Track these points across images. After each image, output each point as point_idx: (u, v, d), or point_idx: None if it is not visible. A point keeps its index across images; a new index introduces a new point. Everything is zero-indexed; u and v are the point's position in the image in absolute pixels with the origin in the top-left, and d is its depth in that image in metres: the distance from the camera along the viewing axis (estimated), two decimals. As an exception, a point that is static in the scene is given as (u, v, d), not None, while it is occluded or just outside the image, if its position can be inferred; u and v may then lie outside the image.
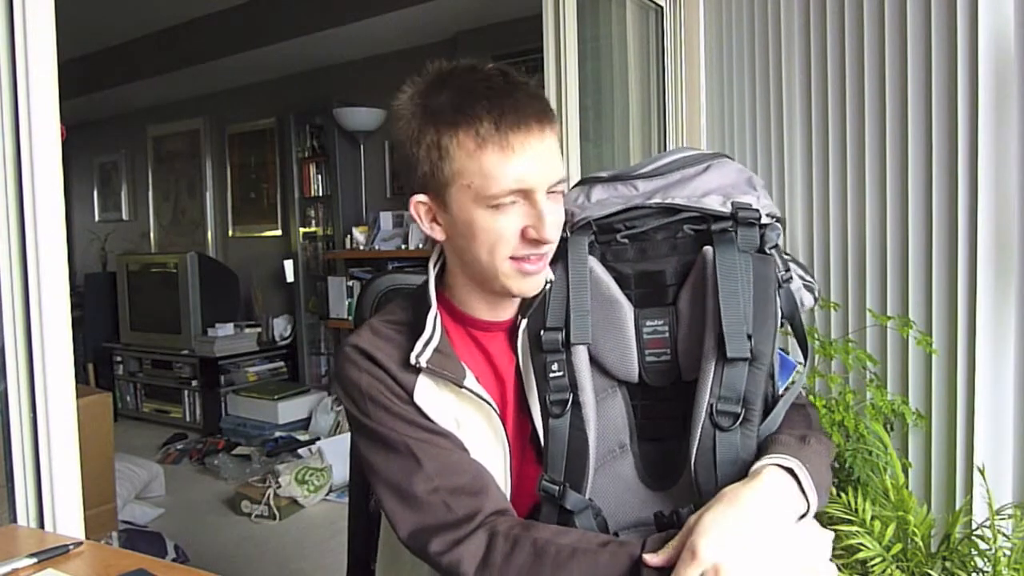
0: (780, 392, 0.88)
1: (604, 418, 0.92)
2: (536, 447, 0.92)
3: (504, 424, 0.92)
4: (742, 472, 0.79)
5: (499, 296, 0.91)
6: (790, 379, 0.91)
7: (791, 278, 0.90)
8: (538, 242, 0.84)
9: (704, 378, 0.84)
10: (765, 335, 0.83)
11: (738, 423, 0.81)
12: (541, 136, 0.83)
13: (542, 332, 0.89)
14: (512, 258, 0.85)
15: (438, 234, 0.89)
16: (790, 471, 0.76)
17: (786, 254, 0.98)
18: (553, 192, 0.86)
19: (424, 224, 0.89)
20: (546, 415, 0.89)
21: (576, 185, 1.02)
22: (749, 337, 0.82)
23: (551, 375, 0.88)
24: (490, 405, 0.89)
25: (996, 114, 1.81)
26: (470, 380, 0.87)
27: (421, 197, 0.87)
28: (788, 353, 0.93)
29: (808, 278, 0.97)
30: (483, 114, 0.80)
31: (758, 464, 0.77)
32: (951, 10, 1.85)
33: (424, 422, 0.86)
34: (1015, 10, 1.78)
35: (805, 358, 0.90)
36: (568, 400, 0.88)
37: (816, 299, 0.98)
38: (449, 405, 0.88)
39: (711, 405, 0.83)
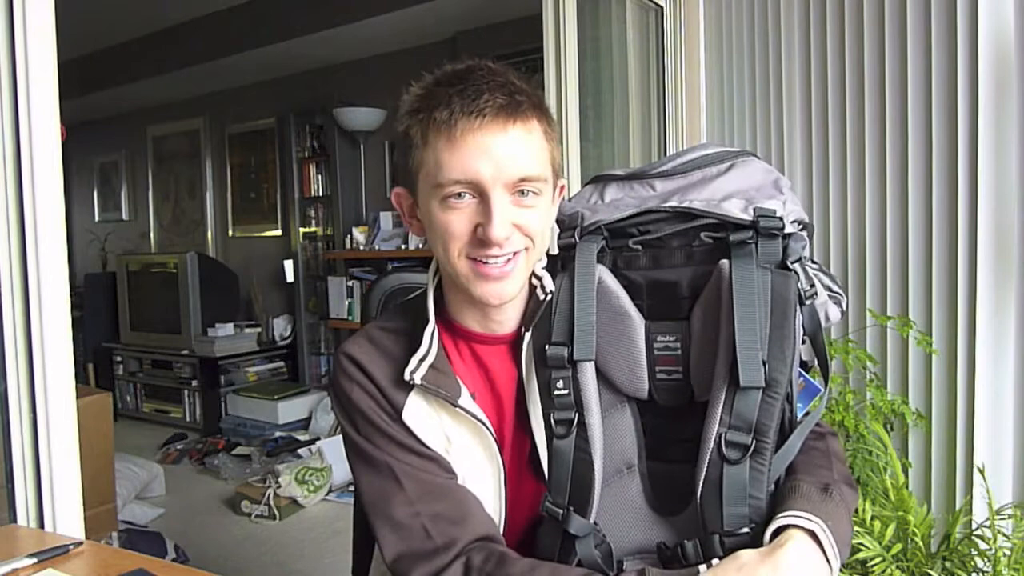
0: (799, 418, 0.82)
1: (611, 436, 0.87)
2: (535, 464, 0.88)
3: (501, 442, 0.89)
4: (750, 510, 0.76)
5: (481, 305, 0.86)
6: (811, 404, 0.84)
7: (815, 293, 0.83)
8: (485, 243, 0.79)
9: (714, 405, 0.78)
10: (781, 361, 0.77)
11: (748, 455, 0.76)
12: (502, 129, 0.78)
13: (547, 347, 0.84)
14: (469, 258, 0.81)
15: (416, 230, 0.88)
16: (812, 534, 0.71)
17: (813, 262, 0.93)
18: (523, 194, 0.81)
19: (404, 218, 0.89)
20: (550, 435, 0.84)
21: (590, 183, 0.97)
22: (764, 363, 0.76)
23: (556, 392, 0.83)
24: (485, 425, 0.85)
25: (996, 114, 1.81)
26: (465, 399, 0.84)
27: (399, 189, 0.89)
28: (812, 373, 0.87)
29: (836, 289, 0.91)
30: (443, 101, 0.78)
31: (778, 522, 0.73)
32: (951, 10, 1.85)
33: (411, 443, 0.84)
34: (1015, 10, 1.78)
35: (826, 381, 0.84)
36: (573, 420, 0.83)
37: (843, 311, 0.91)
38: (441, 424, 0.86)
39: (720, 435, 0.77)
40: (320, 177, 4.44)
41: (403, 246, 3.93)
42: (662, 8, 2.42)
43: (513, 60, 3.49)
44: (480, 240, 0.80)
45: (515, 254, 0.82)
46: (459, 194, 0.79)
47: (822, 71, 2.14)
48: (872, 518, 1.51)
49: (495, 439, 0.87)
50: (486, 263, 0.81)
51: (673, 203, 0.86)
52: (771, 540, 0.73)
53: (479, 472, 0.87)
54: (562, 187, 0.90)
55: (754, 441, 0.76)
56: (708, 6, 2.43)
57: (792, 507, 0.74)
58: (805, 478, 0.79)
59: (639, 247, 0.87)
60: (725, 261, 0.80)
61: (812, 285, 0.83)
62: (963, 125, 1.85)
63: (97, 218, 5.89)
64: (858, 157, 2.06)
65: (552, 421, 0.84)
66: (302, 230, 4.52)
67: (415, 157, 0.82)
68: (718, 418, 0.78)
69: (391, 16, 3.50)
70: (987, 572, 1.48)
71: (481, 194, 0.79)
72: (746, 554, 0.72)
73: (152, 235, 5.56)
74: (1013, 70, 1.79)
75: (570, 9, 1.98)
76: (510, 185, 0.80)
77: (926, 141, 1.93)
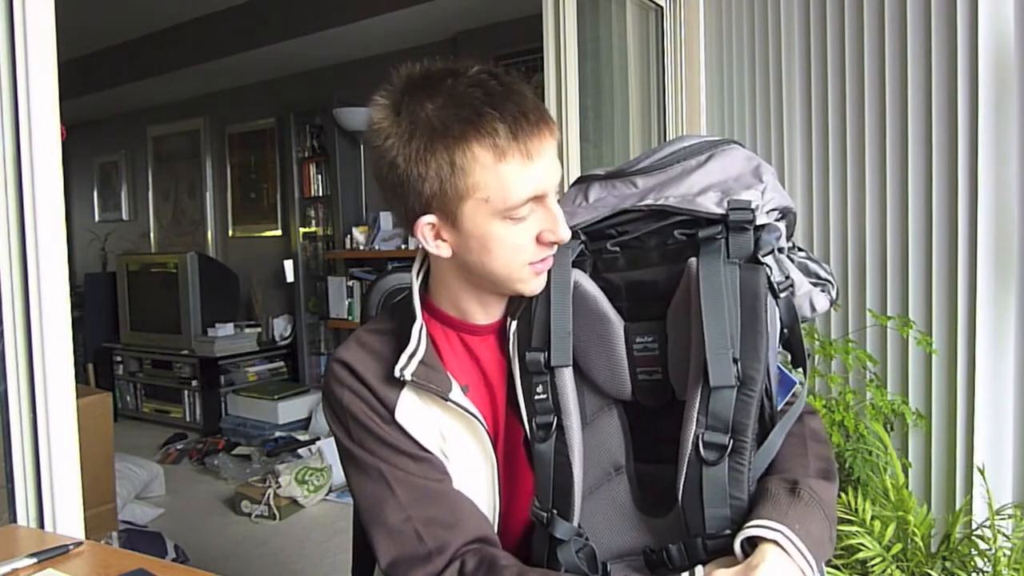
0: (779, 407, 0.81)
1: (598, 439, 0.87)
2: (528, 451, 0.88)
3: (496, 431, 0.90)
4: (732, 511, 0.76)
5: (499, 296, 0.89)
6: (788, 396, 0.84)
7: (791, 285, 0.83)
8: (551, 244, 0.82)
9: (690, 406, 0.78)
10: (754, 357, 0.76)
11: (726, 455, 0.76)
12: (551, 137, 0.80)
13: (526, 353, 0.85)
14: (532, 263, 0.83)
15: (444, 251, 0.83)
16: (776, 544, 0.71)
17: (800, 250, 0.93)
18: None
19: (430, 244, 0.83)
20: (532, 438, 0.84)
21: (574, 184, 0.97)
22: (736, 361, 0.76)
23: (536, 397, 0.84)
24: (476, 418, 0.86)
25: (996, 114, 1.81)
26: (456, 393, 0.84)
27: (430, 218, 0.81)
28: (790, 368, 0.86)
29: (824, 276, 0.90)
30: (497, 124, 0.76)
31: (746, 532, 0.73)
32: (951, 10, 1.85)
33: (404, 446, 0.84)
34: (1015, 10, 1.78)
35: (805, 372, 0.84)
36: (552, 424, 0.83)
37: (833, 300, 0.91)
38: (434, 419, 0.86)
39: (697, 436, 0.76)
40: (320, 177, 4.44)
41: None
42: (662, 8, 2.42)
43: (513, 60, 3.49)
44: (548, 243, 0.82)
45: None
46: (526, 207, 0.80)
47: (822, 71, 2.14)
48: (872, 518, 1.52)
49: (488, 432, 0.87)
50: (544, 260, 0.84)
51: (649, 200, 0.87)
52: (740, 549, 0.73)
53: (473, 466, 0.88)
54: None
55: (731, 440, 0.76)
56: (708, 6, 2.43)
57: (760, 514, 0.73)
58: (774, 478, 0.78)
59: (617, 248, 0.87)
60: (693, 259, 0.80)
61: (787, 277, 0.83)
62: (963, 125, 1.85)
63: (97, 218, 5.89)
64: (858, 157, 2.06)
65: (534, 425, 0.84)
66: (302, 230, 4.52)
67: (463, 182, 0.77)
68: (695, 419, 0.77)
69: (391, 16, 3.49)
70: (987, 572, 1.48)
71: (540, 202, 0.81)
72: (721, 574, 0.72)
73: (152, 235, 5.56)
74: (1013, 70, 1.79)
75: (570, 9, 1.98)
76: (556, 187, 0.82)
77: (926, 141, 1.93)
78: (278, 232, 4.80)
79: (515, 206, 0.78)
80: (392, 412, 0.84)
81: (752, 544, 0.73)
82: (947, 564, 1.50)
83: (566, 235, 0.82)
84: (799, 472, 0.80)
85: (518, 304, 0.89)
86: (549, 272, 0.87)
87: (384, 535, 0.83)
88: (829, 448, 0.88)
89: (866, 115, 2.04)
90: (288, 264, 4.41)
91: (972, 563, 1.49)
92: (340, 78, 4.30)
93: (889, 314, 1.98)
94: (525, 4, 2.46)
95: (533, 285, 0.85)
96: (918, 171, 1.94)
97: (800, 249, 0.94)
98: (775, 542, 0.71)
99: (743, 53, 2.34)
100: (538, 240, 0.82)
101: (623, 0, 2.33)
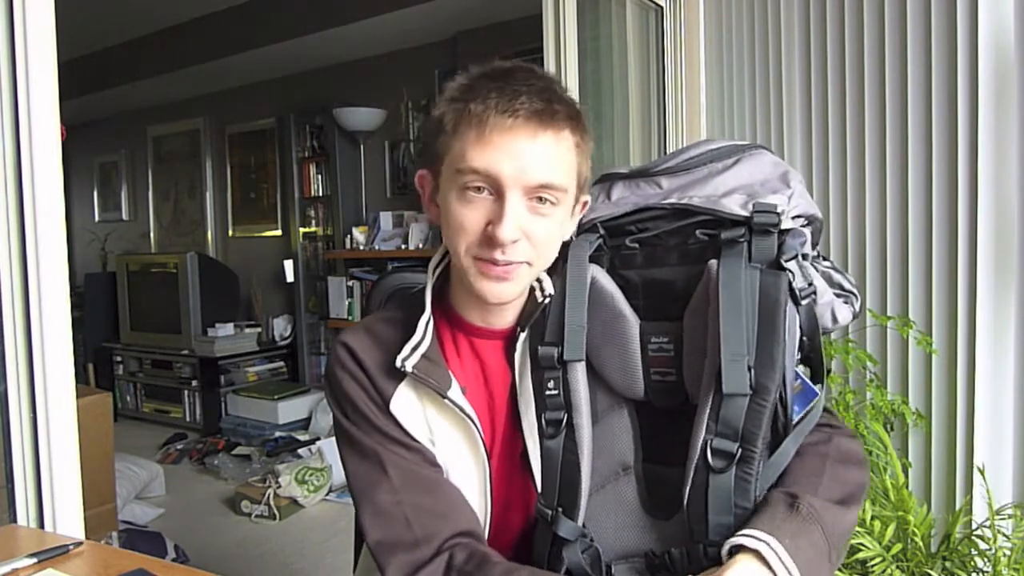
0: (795, 421, 0.79)
1: (607, 437, 0.86)
2: (526, 463, 0.88)
3: (492, 438, 0.89)
4: (735, 519, 0.74)
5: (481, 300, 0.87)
6: (809, 407, 0.81)
7: (814, 293, 0.81)
8: (492, 242, 0.78)
9: (701, 411, 0.77)
10: (769, 366, 0.74)
11: (734, 463, 0.74)
12: (531, 135, 0.77)
13: (539, 347, 0.84)
14: (476, 257, 0.81)
15: (433, 215, 0.87)
16: (758, 554, 0.69)
17: (825, 260, 0.91)
18: (541, 200, 0.79)
19: (425, 201, 0.89)
20: (541, 434, 0.84)
21: (596, 182, 0.96)
22: (750, 368, 0.74)
23: (547, 392, 0.83)
24: (471, 420, 0.85)
25: (996, 114, 1.81)
26: (454, 392, 0.83)
27: (423, 171, 0.88)
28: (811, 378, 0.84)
29: (847, 287, 0.88)
30: (480, 95, 0.78)
31: (733, 540, 0.71)
32: (951, 10, 1.85)
33: (397, 434, 0.84)
34: (1015, 10, 1.78)
35: (822, 383, 0.82)
36: (562, 420, 0.82)
37: (856, 313, 0.88)
38: (428, 415, 0.85)
39: (706, 442, 0.75)
40: (320, 177, 4.44)
41: (403, 246, 3.93)
42: (662, 8, 2.41)
43: (513, 60, 3.48)
44: (488, 238, 0.79)
45: (517, 265, 0.81)
46: (477, 187, 0.79)
47: (822, 71, 2.14)
48: (872, 518, 1.52)
49: (481, 436, 0.86)
50: (488, 263, 0.81)
51: (673, 200, 0.85)
52: (729, 557, 0.72)
53: (463, 467, 0.87)
54: (584, 203, 0.89)
55: (740, 449, 0.75)
56: (708, 6, 2.42)
57: (752, 524, 0.72)
58: (777, 491, 0.77)
59: (636, 245, 0.86)
60: (714, 261, 0.79)
61: (810, 284, 0.81)
62: (963, 125, 1.85)
63: (97, 218, 5.89)
64: (858, 157, 2.06)
65: (543, 421, 0.84)
66: (302, 230, 4.52)
67: (443, 142, 0.82)
68: (705, 425, 0.76)
69: (391, 16, 3.49)
70: (987, 572, 1.48)
71: (498, 192, 0.79)
72: None
73: (152, 235, 5.56)
74: (1013, 70, 1.79)
75: (570, 9, 1.97)
76: (529, 189, 0.79)
77: (926, 141, 1.92)
78: (278, 232, 4.80)
79: (462, 172, 0.79)
80: (387, 403, 0.84)
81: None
82: (947, 564, 1.50)
83: (504, 236, 0.77)
84: (806, 489, 0.77)
85: (530, 312, 0.87)
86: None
87: (373, 515, 0.83)
88: (860, 473, 0.83)
89: (866, 115, 2.03)
90: (288, 264, 4.41)
91: (972, 563, 1.49)
92: (340, 78, 4.30)
93: (889, 314, 1.98)
94: (525, 4, 2.46)
95: (482, 286, 0.82)
96: (918, 171, 1.94)
97: (825, 259, 0.92)
98: (756, 552, 0.69)
99: (743, 53, 2.34)
100: (484, 233, 0.80)
101: (623, 0, 2.33)
